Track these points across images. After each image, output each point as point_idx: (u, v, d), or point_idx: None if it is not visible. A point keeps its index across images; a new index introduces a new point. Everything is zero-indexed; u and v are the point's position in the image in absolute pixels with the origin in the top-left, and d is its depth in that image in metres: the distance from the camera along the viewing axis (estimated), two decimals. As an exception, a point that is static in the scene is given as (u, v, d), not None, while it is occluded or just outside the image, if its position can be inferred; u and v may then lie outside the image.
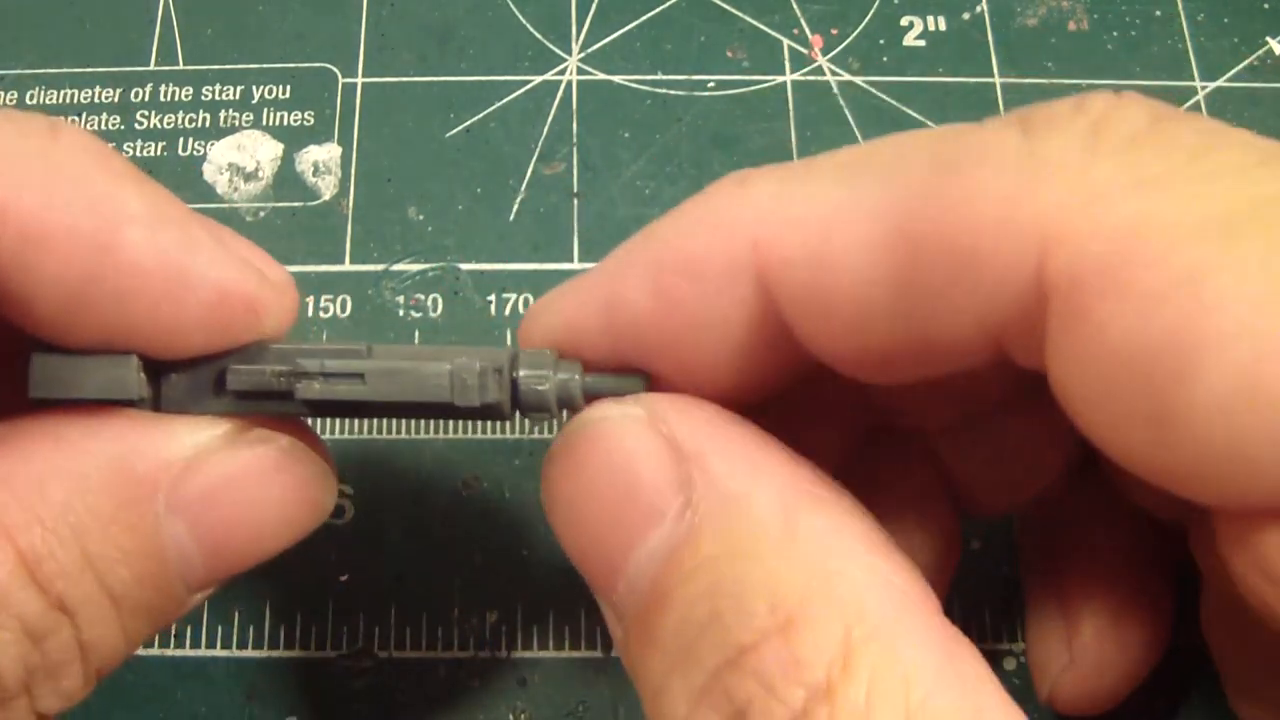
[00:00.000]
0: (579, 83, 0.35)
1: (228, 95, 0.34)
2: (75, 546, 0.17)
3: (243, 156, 0.33)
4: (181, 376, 0.19)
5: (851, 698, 0.14)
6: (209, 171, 0.33)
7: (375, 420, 0.30)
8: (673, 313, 0.18)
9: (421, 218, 0.33)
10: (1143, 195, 0.15)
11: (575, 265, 0.32)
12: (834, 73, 0.35)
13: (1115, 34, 0.36)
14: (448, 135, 0.34)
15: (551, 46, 0.35)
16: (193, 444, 0.18)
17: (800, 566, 0.16)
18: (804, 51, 0.35)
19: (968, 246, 0.15)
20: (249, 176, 0.33)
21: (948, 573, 0.24)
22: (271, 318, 0.19)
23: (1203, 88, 0.35)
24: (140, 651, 0.28)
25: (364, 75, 0.35)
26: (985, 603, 0.29)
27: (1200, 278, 0.14)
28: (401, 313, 0.32)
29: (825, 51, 0.35)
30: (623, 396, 0.18)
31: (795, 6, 0.36)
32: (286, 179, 0.33)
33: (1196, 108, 0.35)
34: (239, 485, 0.19)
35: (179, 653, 0.28)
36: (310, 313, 0.31)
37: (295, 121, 0.34)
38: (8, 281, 0.17)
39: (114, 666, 0.18)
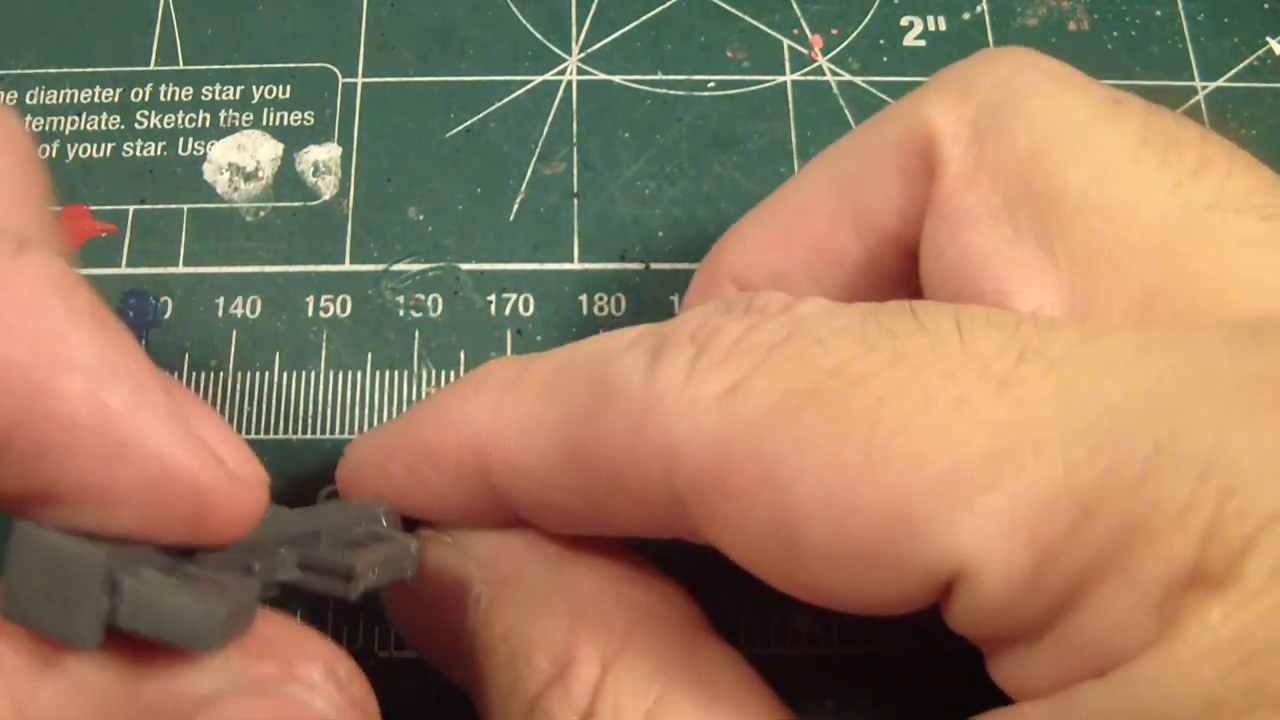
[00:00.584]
0: (579, 83, 0.35)
1: (228, 95, 0.34)
2: None
3: (243, 156, 0.33)
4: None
5: (605, 710, 0.18)
6: (209, 171, 0.33)
7: (377, 420, 0.30)
8: (424, 491, 0.21)
9: (421, 218, 0.33)
10: (726, 406, 0.17)
11: (575, 265, 0.32)
12: (834, 73, 0.35)
13: (1115, 34, 0.36)
14: (448, 135, 0.34)
15: (551, 46, 0.35)
16: (211, 688, 0.16)
17: (563, 620, 0.19)
18: (804, 51, 0.35)
19: (615, 470, 0.18)
20: (249, 176, 0.33)
21: None
22: (219, 519, 0.16)
23: (1203, 88, 0.35)
24: (140, 651, 0.28)
25: (364, 75, 0.35)
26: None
27: (779, 466, 0.16)
28: (401, 313, 0.32)
29: (825, 51, 0.35)
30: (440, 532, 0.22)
31: (795, 6, 0.36)
32: (286, 179, 0.33)
33: (1196, 108, 0.35)
34: None
35: (179, 653, 0.28)
36: (310, 313, 0.31)
37: (295, 121, 0.34)
38: None
39: None
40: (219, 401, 0.30)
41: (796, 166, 0.34)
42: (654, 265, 0.32)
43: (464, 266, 0.32)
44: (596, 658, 0.19)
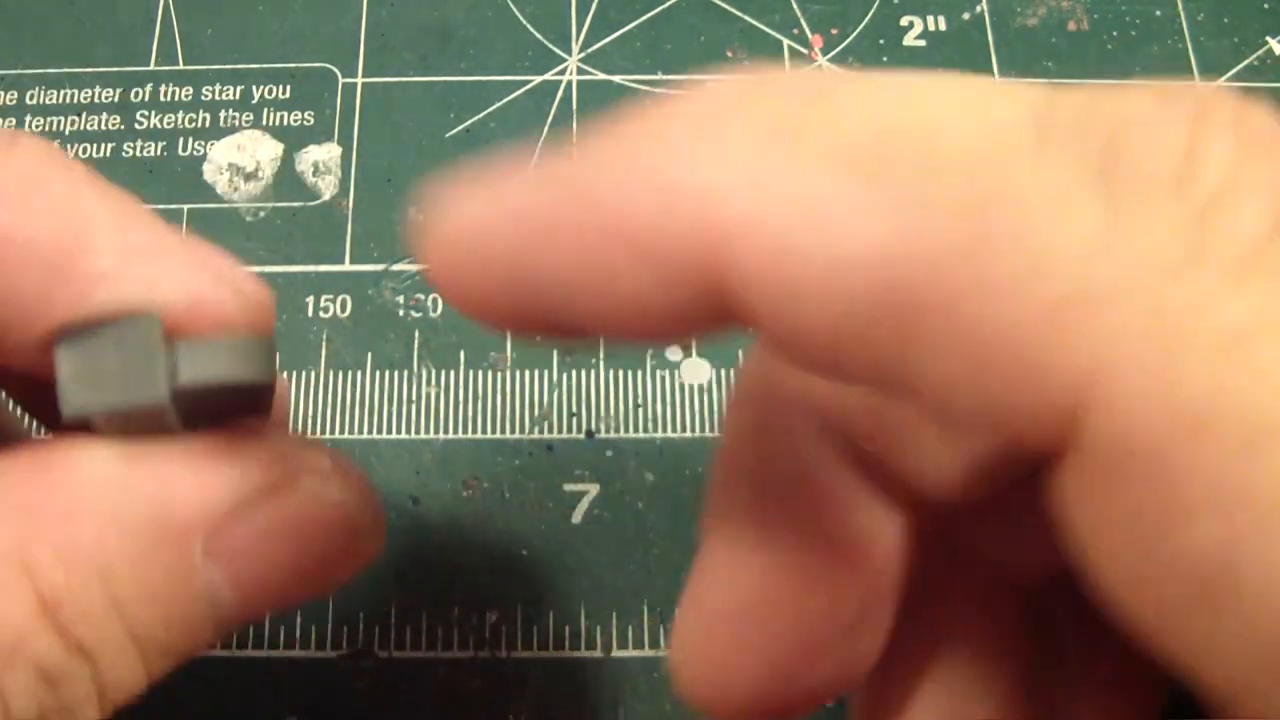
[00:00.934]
0: (579, 83, 0.35)
1: (228, 95, 0.34)
2: (101, 590, 0.16)
3: (243, 156, 0.33)
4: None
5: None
6: (209, 171, 0.33)
7: (377, 420, 0.30)
8: (610, 291, 0.13)
9: (422, 218, 0.33)
10: (1239, 360, 0.10)
11: (575, 265, 0.32)
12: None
13: (1115, 34, 0.36)
14: (448, 135, 0.34)
15: (551, 46, 0.35)
16: (237, 492, 0.17)
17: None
18: (804, 51, 0.35)
19: (974, 356, 0.11)
20: (249, 176, 0.33)
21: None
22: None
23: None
24: (140, 651, 0.28)
25: (364, 75, 0.35)
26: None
27: (1276, 497, 0.10)
28: (401, 313, 0.32)
29: (825, 51, 0.35)
30: None
31: (795, 6, 0.36)
32: (286, 179, 0.33)
33: (1196, 108, 0.35)
34: (283, 536, 0.18)
35: (179, 653, 0.28)
36: (310, 313, 0.31)
37: (295, 121, 0.34)
38: None
39: (133, 700, 0.18)
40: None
41: (796, 166, 0.34)
42: (654, 265, 0.32)
43: (464, 266, 0.32)
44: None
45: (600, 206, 0.13)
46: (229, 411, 0.18)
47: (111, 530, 0.16)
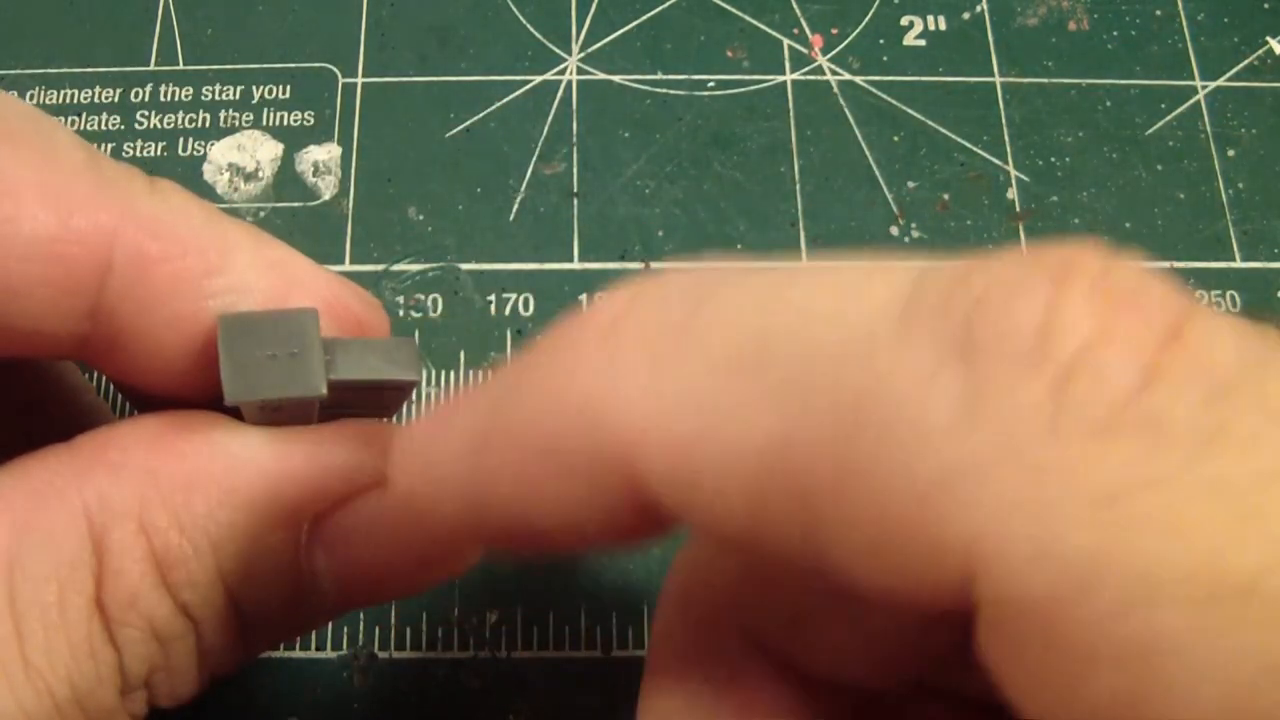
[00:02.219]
0: (579, 83, 0.35)
1: (228, 95, 0.34)
2: (210, 559, 0.17)
3: (243, 156, 0.33)
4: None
5: None
6: (209, 171, 0.33)
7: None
8: (545, 505, 0.14)
9: (421, 218, 0.33)
10: (1109, 521, 0.11)
11: (575, 265, 0.32)
12: (834, 73, 0.35)
13: (1115, 34, 0.36)
14: (448, 135, 0.34)
15: (551, 46, 0.35)
16: (348, 481, 0.18)
17: None
18: (804, 51, 0.35)
19: (870, 534, 0.12)
20: (249, 176, 0.33)
21: None
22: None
23: (1203, 87, 0.35)
24: (140, 651, 0.28)
25: (364, 75, 0.35)
26: None
27: (1165, 649, 0.10)
28: (401, 313, 0.32)
29: (825, 51, 0.35)
30: None
31: (795, 6, 0.36)
32: (286, 179, 0.33)
33: (1196, 107, 0.35)
34: (387, 531, 0.18)
35: (179, 653, 0.28)
36: (310, 313, 0.31)
37: (295, 121, 0.34)
38: (122, 310, 0.17)
39: (231, 673, 0.18)
40: (219, 401, 0.30)
41: (796, 166, 0.34)
42: (654, 265, 0.32)
43: (464, 266, 0.32)
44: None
45: (517, 430, 0.14)
46: (363, 407, 0.19)
47: (224, 504, 0.17)
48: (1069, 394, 0.11)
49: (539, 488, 0.14)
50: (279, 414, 0.18)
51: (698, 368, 0.13)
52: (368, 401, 0.19)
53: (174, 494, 0.17)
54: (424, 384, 0.31)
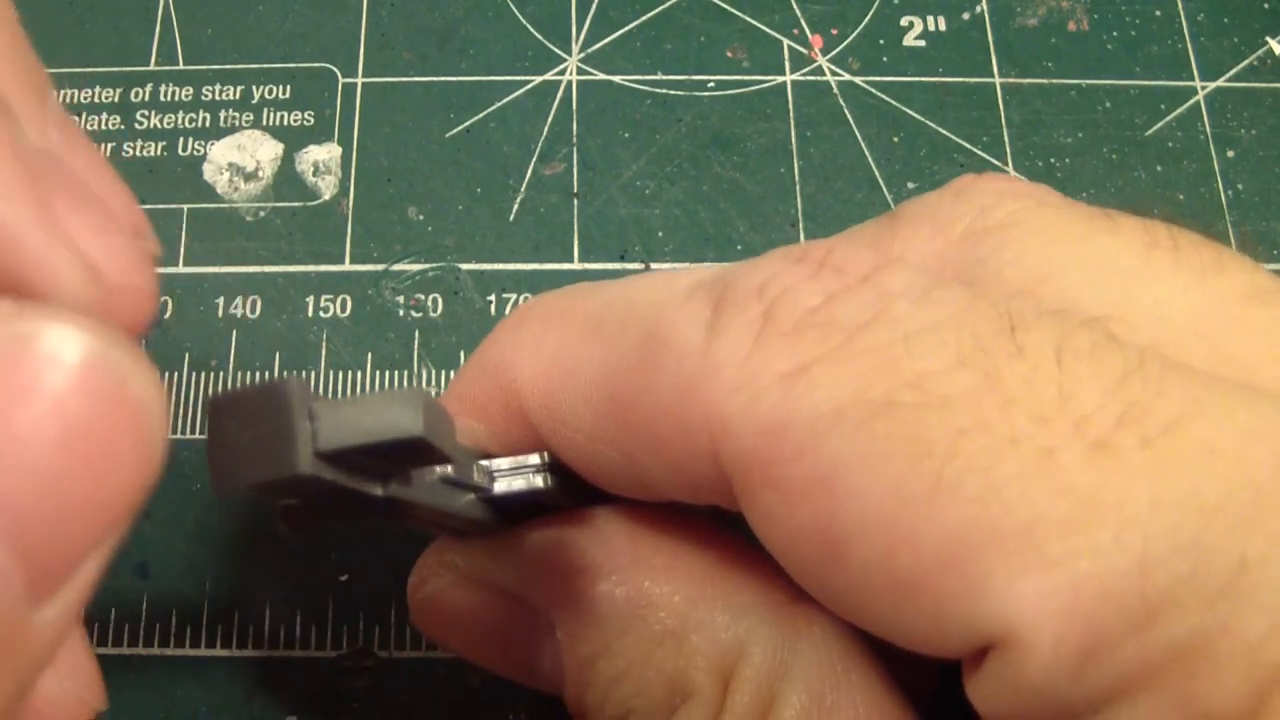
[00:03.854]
0: (579, 83, 0.35)
1: (228, 95, 0.34)
2: None
3: (243, 156, 0.33)
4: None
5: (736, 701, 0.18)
6: (209, 171, 0.33)
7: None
8: (492, 443, 0.20)
9: (421, 218, 0.33)
10: (789, 387, 0.15)
11: (575, 265, 0.32)
12: (834, 73, 0.35)
13: (1115, 34, 0.36)
14: (448, 135, 0.34)
15: (551, 46, 0.35)
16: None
17: (668, 648, 0.18)
18: (804, 51, 0.35)
19: (659, 432, 0.17)
20: (249, 176, 0.33)
21: None
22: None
23: (1203, 88, 0.35)
24: (139, 650, 0.28)
25: (364, 75, 0.35)
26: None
27: (834, 472, 0.15)
28: (401, 313, 0.32)
29: (825, 51, 0.35)
30: (442, 562, 0.22)
31: (795, 6, 0.36)
32: (286, 179, 0.33)
33: (1196, 107, 0.35)
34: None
35: (178, 652, 0.28)
36: (310, 313, 0.31)
37: (295, 121, 0.34)
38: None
39: None
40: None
41: (796, 166, 0.34)
42: (654, 265, 0.32)
43: (464, 266, 0.32)
44: (712, 677, 0.18)
45: (463, 387, 0.21)
46: (397, 459, 0.17)
47: None
48: (772, 314, 0.16)
49: (480, 421, 0.20)
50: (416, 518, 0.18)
51: (565, 334, 0.19)
52: (402, 456, 0.17)
53: None
54: (423, 385, 0.31)
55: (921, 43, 0.36)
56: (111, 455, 0.12)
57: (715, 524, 0.20)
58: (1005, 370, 0.14)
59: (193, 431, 0.30)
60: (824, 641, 0.18)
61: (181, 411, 0.30)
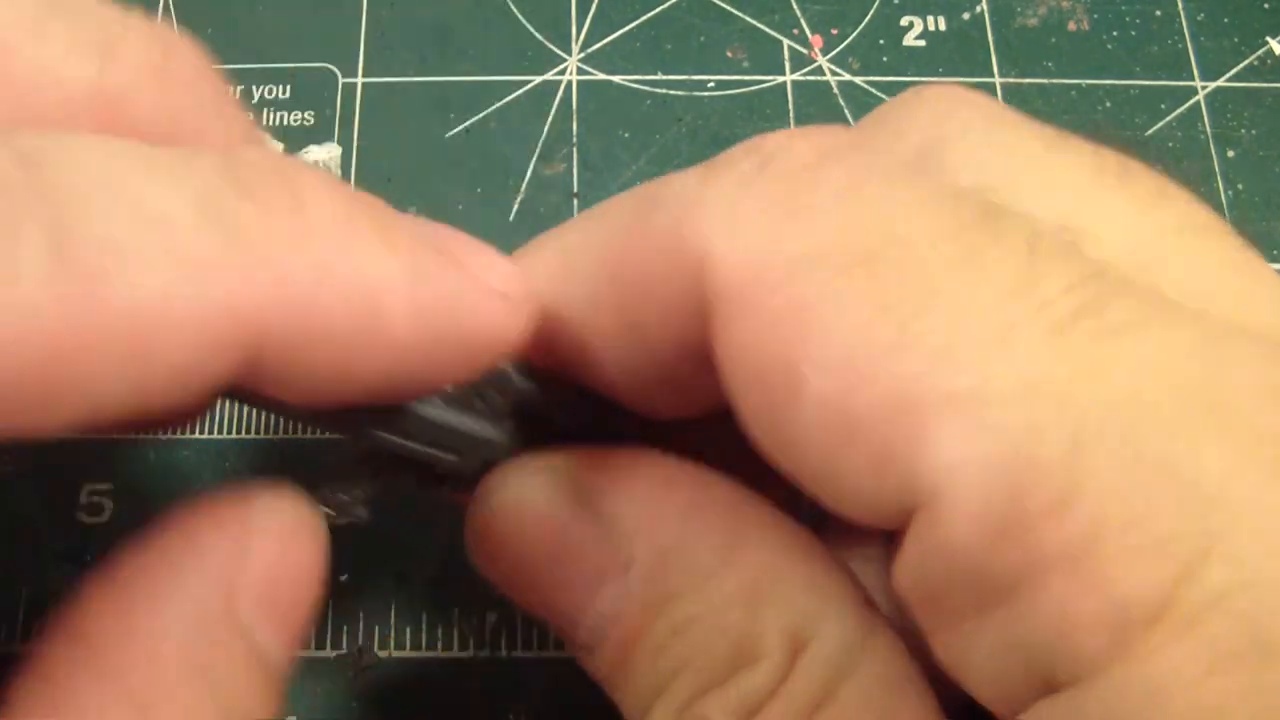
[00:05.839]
0: (579, 83, 0.35)
1: (228, 95, 0.34)
2: (216, 709, 0.17)
3: (243, 156, 0.33)
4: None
5: (780, 711, 0.17)
6: (209, 171, 0.33)
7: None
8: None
9: (422, 218, 0.33)
10: (777, 226, 0.16)
11: (575, 265, 0.32)
12: (834, 73, 0.35)
13: (1115, 34, 0.36)
14: (448, 135, 0.34)
15: (551, 46, 0.35)
16: (239, 548, 0.18)
17: (745, 607, 0.18)
18: (804, 51, 0.35)
19: (648, 276, 0.17)
20: (249, 176, 0.33)
21: None
22: (513, 344, 0.18)
23: (1203, 87, 0.35)
24: (140, 651, 0.28)
25: (364, 75, 0.35)
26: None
27: (808, 307, 0.15)
28: (401, 313, 0.32)
29: (825, 51, 0.35)
30: (537, 464, 0.20)
31: (795, 6, 0.36)
32: (286, 179, 0.33)
33: (1196, 107, 0.35)
34: (288, 560, 0.18)
35: (179, 653, 0.28)
36: (310, 313, 0.31)
37: (295, 121, 0.34)
38: (263, 374, 0.16)
39: None
40: (218, 401, 0.30)
41: (796, 166, 0.34)
42: (654, 265, 0.32)
43: (464, 266, 0.32)
44: (783, 658, 0.17)
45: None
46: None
47: (184, 655, 0.16)
48: (766, 166, 0.17)
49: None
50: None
51: (574, 224, 0.20)
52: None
53: (153, 688, 0.16)
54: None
55: (922, 43, 0.36)
56: None
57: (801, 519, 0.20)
58: (983, 248, 0.15)
59: (194, 432, 0.30)
60: (890, 654, 0.18)
61: (181, 411, 0.30)
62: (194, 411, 0.17)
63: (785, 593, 0.18)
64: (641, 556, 0.19)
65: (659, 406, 0.20)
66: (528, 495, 0.20)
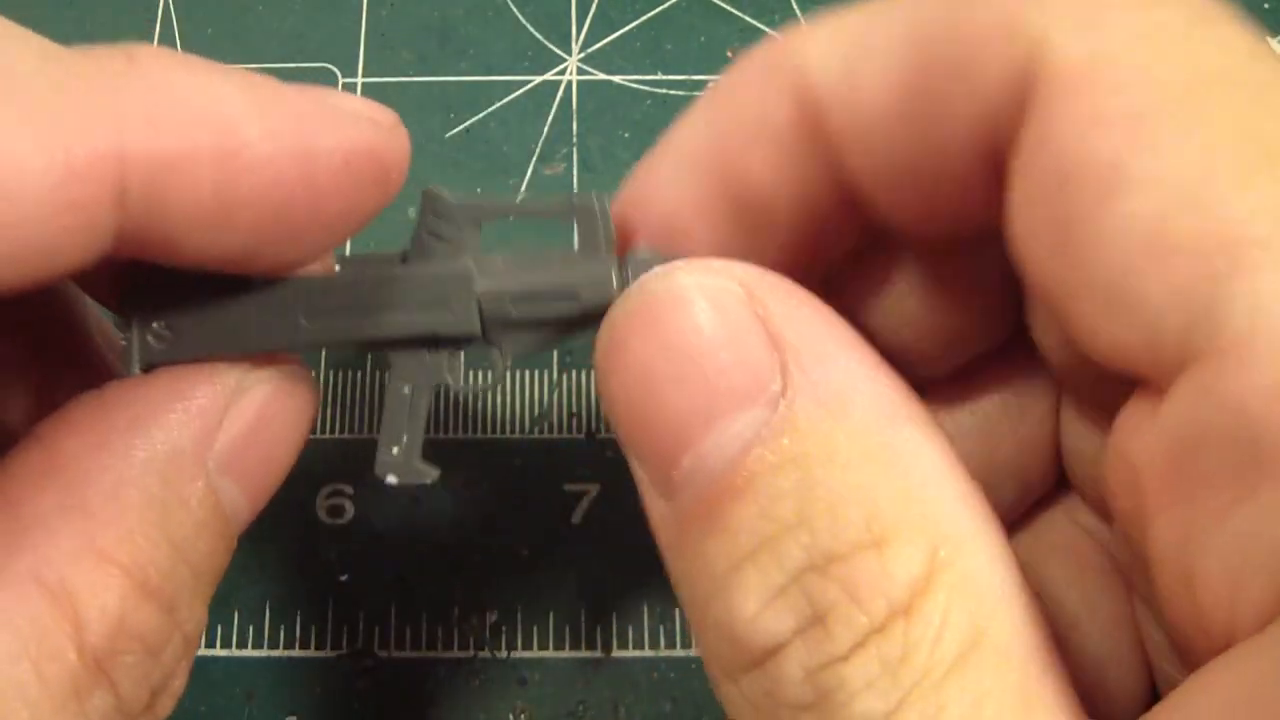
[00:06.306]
0: (579, 83, 0.35)
1: (228, 95, 0.34)
2: (164, 541, 0.17)
3: (243, 156, 0.33)
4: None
5: (927, 615, 0.15)
6: (209, 171, 0.33)
7: (377, 420, 0.30)
8: (749, 189, 0.19)
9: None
10: (1128, 31, 0.15)
11: (575, 265, 0.32)
12: (834, 73, 0.35)
13: (1115, 34, 0.36)
14: (448, 135, 0.34)
15: (551, 46, 0.35)
16: (223, 403, 0.18)
17: (897, 482, 0.16)
18: (804, 51, 0.35)
19: (969, 51, 0.16)
20: (249, 176, 0.33)
21: None
22: (396, 166, 0.19)
23: (1203, 88, 0.35)
24: (140, 651, 0.28)
25: (364, 75, 0.35)
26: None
27: (1147, 119, 0.15)
28: (401, 313, 0.32)
29: (825, 51, 0.35)
30: (712, 264, 0.18)
31: (795, 6, 0.36)
32: (286, 179, 0.33)
33: (1196, 108, 0.35)
34: (267, 426, 0.19)
35: (179, 653, 0.28)
36: (310, 313, 0.31)
37: (295, 121, 0.34)
38: (150, 223, 0.16)
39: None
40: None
41: (796, 166, 0.34)
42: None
43: (464, 266, 0.32)
44: (927, 547, 0.15)
45: (730, 116, 0.20)
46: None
47: (150, 486, 0.17)
48: None
49: (747, 172, 0.19)
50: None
51: (856, 16, 0.18)
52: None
53: (108, 507, 0.17)
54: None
55: (921, 43, 0.36)
56: None
57: None
58: None
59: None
60: (1031, 599, 0.16)
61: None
62: (91, 256, 0.16)
63: (938, 497, 0.16)
64: (798, 395, 0.16)
65: (910, 216, 0.18)
66: (704, 288, 0.17)
